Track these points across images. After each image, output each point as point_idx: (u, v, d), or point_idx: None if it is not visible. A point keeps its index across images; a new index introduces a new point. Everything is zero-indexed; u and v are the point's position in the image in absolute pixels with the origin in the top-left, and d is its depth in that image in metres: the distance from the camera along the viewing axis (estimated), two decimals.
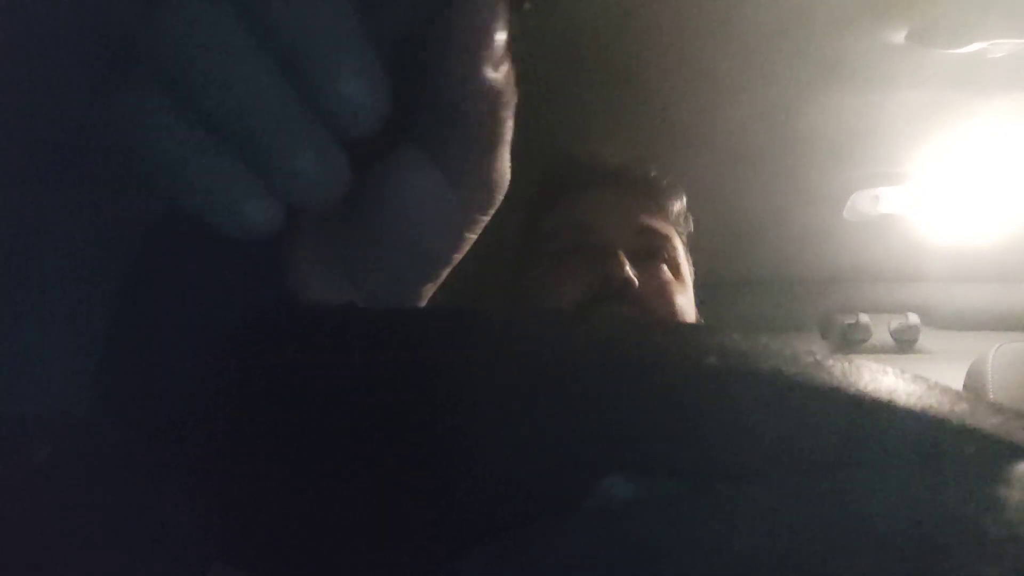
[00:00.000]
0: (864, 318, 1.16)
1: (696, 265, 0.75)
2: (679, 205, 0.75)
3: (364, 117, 0.17)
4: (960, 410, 0.16)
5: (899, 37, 0.74)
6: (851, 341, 1.17)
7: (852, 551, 0.12)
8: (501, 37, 0.18)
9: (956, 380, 0.96)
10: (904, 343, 1.17)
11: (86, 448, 0.18)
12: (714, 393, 0.16)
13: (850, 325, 1.16)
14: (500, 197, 0.22)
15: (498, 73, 0.19)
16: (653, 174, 0.74)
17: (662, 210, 0.72)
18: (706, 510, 0.14)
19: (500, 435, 0.16)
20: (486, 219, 0.22)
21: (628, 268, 0.63)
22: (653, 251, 0.68)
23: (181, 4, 0.16)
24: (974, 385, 0.91)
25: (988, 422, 0.16)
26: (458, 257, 0.23)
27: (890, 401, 0.16)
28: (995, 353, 0.92)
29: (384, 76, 0.17)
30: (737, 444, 0.16)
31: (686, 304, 0.67)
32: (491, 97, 0.19)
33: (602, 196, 0.71)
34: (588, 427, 0.17)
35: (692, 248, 0.77)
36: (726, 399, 0.16)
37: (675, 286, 0.67)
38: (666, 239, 0.69)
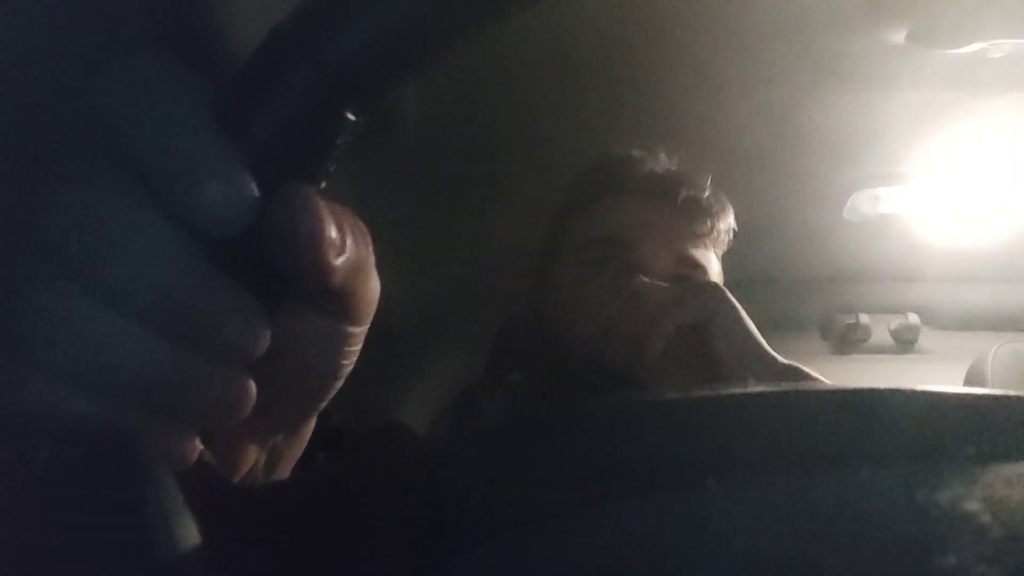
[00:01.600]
0: (864, 318, 1.16)
1: None
2: (726, 224, 0.71)
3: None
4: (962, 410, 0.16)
5: (899, 37, 0.73)
6: (851, 341, 1.17)
7: (852, 550, 0.12)
8: (333, 235, 0.19)
9: (956, 380, 0.96)
10: (904, 343, 1.17)
11: (86, 448, 0.18)
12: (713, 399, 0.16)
13: (850, 325, 1.16)
14: (373, 309, 0.24)
15: (338, 261, 0.20)
16: (706, 194, 0.68)
17: (707, 235, 0.68)
18: (706, 510, 0.14)
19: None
20: (364, 329, 0.24)
21: None
22: (687, 279, 0.66)
23: (73, 186, 0.18)
24: (974, 385, 0.91)
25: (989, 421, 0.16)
26: (347, 371, 0.25)
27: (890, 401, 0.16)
28: (995, 353, 0.92)
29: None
30: (735, 444, 0.16)
31: None
32: (338, 282, 0.20)
33: (646, 210, 0.67)
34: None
35: None
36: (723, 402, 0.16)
37: None
38: (704, 269, 0.67)
